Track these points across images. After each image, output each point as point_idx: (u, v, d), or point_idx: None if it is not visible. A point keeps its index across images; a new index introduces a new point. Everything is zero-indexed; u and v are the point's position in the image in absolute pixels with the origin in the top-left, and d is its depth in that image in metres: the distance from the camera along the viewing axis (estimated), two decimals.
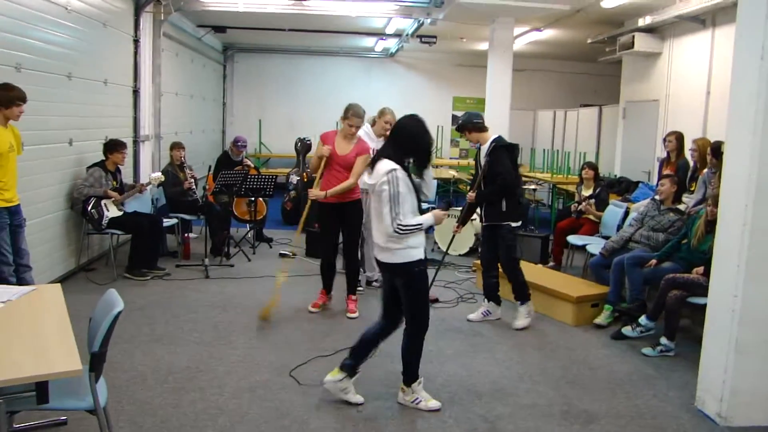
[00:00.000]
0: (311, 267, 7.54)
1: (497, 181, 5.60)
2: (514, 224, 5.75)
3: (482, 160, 5.74)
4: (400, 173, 3.87)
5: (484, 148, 5.72)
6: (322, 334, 5.46)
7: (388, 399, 4.24)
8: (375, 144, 6.44)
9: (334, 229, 5.94)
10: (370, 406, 4.15)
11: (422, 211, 4.05)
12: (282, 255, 8.36)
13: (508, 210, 5.68)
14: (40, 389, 2.53)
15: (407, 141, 4.03)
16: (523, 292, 5.88)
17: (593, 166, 8.36)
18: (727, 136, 4.11)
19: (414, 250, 3.95)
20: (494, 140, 5.69)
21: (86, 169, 6.91)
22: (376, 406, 4.15)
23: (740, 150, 3.92)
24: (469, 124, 5.74)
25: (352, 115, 5.75)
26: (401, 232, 3.83)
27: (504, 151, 5.64)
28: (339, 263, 6.21)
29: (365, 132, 6.38)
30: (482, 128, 5.79)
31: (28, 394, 2.56)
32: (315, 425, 3.88)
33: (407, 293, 4.03)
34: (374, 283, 6.88)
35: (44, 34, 6.17)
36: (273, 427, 3.83)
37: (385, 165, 3.89)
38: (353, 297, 6.07)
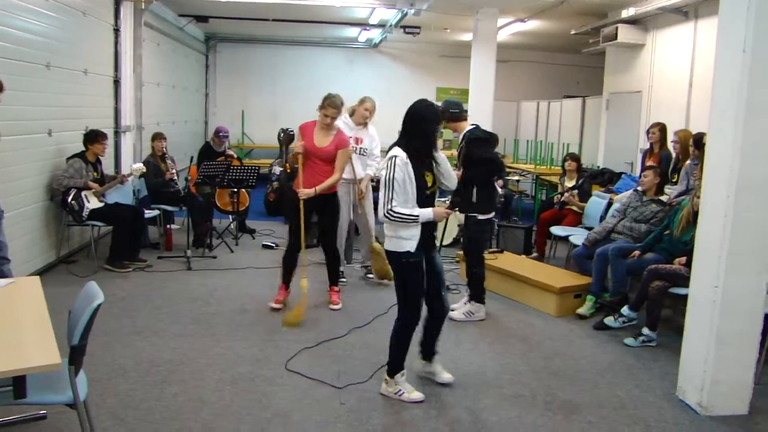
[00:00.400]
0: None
1: (485, 164, 5.51)
2: (481, 216, 5.59)
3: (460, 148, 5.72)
4: (400, 161, 3.85)
5: (460, 137, 5.70)
6: (305, 326, 5.43)
7: (372, 391, 4.23)
8: (353, 132, 6.43)
9: (306, 221, 5.78)
10: (353, 397, 4.14)
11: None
12: (265, 246, 8.32)
13: (478, 201, 5.55)
14: (18, 384, 2.49)
15: (410, 125, 4.03)
16: (476, 289, 5.74)
17: (576, 158, 8.40)
18: (709, 128, 4.13)
19: (404, 241, 3.93)
20: (468, 131, 5.62)
21: (66, 160, 6.83)
22: (360, 397, 4.14)
23: (722, 142, 3.94)
24: (446, 113, 5.50)
25: (328, 105, 5.65)
26: (391, 218, 3.84)
27: (479, 143, 5.54)
28: (313, 255, 6.10)
29: (343, 122, 6.36)
30: (459, 117, 5.66)
31: (5, 389, 2.53)
32: (297, 417, 3.86)
33: (396, 282, 4.09)
34: (369, 276, 6.90)
35: (22, 22, 6.08)
36: (256, 419, 3.81)
37: (391, 152, 3.94)
38: (336, 288, 6.05)
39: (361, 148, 6.55)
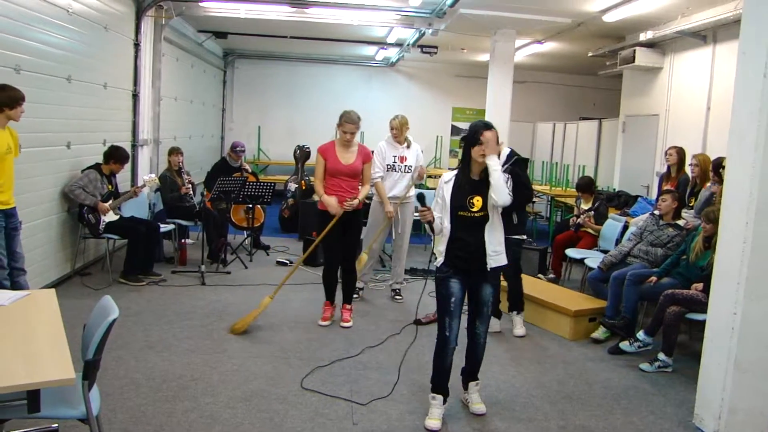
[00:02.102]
0: (308, 276, 7.52)
1: (524, 192, 5.56)
2: (520, 237, 5.82)
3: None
4: (442, 181, 4.07)
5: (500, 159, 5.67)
6: (318, 344, 5.42)
7: (384, 411, 4.20)
8: (397, 152, 6.63)
9: (337, 239, 5.82)
10: (366, 418, 4.11)
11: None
12: (279, 263, 8.32)
13: (519, 223, 5.76)
14: (32, 398, 2.49)
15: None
16: (522, 302, 6.06)
17: (585, 188, 8.30)
18: (728, 152, 4.10)
19: (438, 256, 4.06)
20: (512, 152, 5.68)
21: (81, 171, 6.88)
22: (372, 418, 4.11)
23: (741, 167, 3.91)
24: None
25: (345, 121, 5.75)
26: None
27: (523, 165, 5.69)
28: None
29: (387, 142, 6.63)
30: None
31: (19, 402, 2.52)
32: None
33: None
34: (392, 292, 6.93)
35: (44, 35, 6.15)
36: None
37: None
38: (348, 306, 6.03)
39: (405, 165, 6.61)
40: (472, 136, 3.96)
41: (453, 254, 3.98)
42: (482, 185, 3.97)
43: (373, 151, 6.38)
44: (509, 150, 5.74)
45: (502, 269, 4.19)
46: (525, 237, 6.00)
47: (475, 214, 3.96)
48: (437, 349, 4.07)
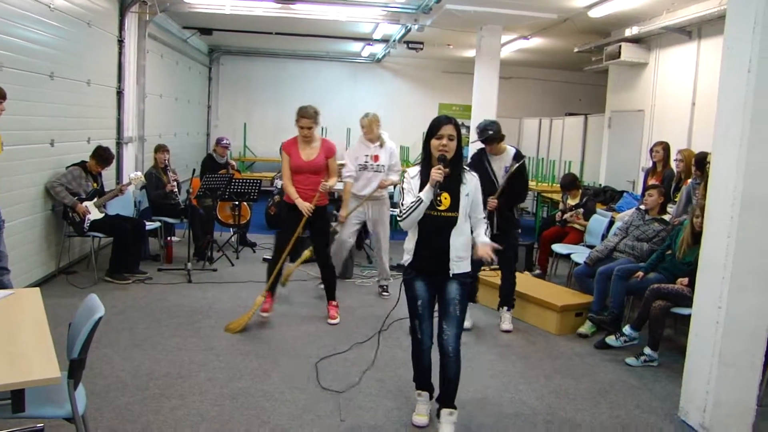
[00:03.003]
0: (298, 274, 7.49)
1: (523, 192, 5.87)
2: (518, 232, 6.06)
3: (498, 169, 5.70)
4: (408, 176, 3.84)
5: (503, 158, 5.70)
6: (305, 341, 5.41)
7: (372, 408, 4.20)
8: (370, 150, 6.60)
9: (293, 233, 5.75)
10: (354, 414, 4.11)
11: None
12: (265, 260, 8.29)
13: (517, 219, 6.01)
14: (16, 397, 2.46)
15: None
16: (513, 299, 6.07)
17: (569, 186, 8.33)
18: (713, 147, 4.12)
19: (405, 253, 3.87)
20: (518, 152, 5.71)
21: (66, 168, 6.82)
22: (360, 414, 4.11)
23: (726, 162, 3.93)
24: (499, 135, 5.64)
25: (301, 116, 5.73)
26: (401, 218, 3.75)
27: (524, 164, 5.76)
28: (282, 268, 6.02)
29: (360, 141, 6.64)
30: (501, 139, 5.77)
31: (3, 402, 2.50)
32: None
33: None
34: (384, 294, 6.92)
35: (27, 32, 6.09)
36: None
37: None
38: (333, 303, 6.03)
39: (378, 165, 6.58)
40: (431, 129, 3.76)
41: (418, 254, 3.78)
42: (449, 182, 3.68)
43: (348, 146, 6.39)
44: (515, 150, 5.74)
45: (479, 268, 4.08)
46: (519, 231, 6.13)
47: (442, 213, 3.70)
48: (413, 350, 3.95)
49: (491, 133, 5.59)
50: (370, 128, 6.52)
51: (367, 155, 6.56)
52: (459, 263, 3.77)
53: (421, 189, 3.69)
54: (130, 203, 7.98)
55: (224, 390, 4.36)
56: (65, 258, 7.15)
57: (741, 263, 3.88)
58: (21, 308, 3.30)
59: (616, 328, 5.63)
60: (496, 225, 5.65)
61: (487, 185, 5.47)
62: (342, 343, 5.36)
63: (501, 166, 5.69)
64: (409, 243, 3.83)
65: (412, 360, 3.99)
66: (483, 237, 3.87)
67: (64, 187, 6.59)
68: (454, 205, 3.72)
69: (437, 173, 3.58)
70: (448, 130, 3.69)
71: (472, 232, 3.87)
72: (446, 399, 3.86)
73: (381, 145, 6.60)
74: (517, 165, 5.59)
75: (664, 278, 5.49)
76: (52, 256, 6.88)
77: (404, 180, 3.83)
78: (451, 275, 3.74)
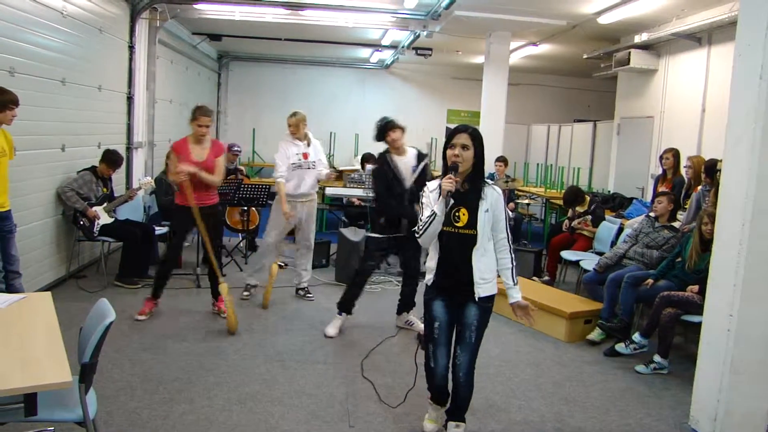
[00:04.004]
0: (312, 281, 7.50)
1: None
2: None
3: (405, 169, 5.56)
4: (427, 190, 3.63)
5: (407, 159, 5.58)
6: (313, 346, 5.41)
7: (380, 415, 4.20)
8: (299, 149, 6.59)
9: (187, 235, 5.92)
10: (362, 421, 4.10)
11: None
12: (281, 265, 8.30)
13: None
14: (29, 401, 2.47)
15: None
16: (412, 302, 5.92)
17: (572, 200, 8.27)
18: (724, 154, 4.10)
19: (428, 272, 3.71)
20: (420, 153, 5.61)
21: (77, 173, 6.86)
22: (369, 420, 4.11)
23: (738, 169, 3.91)
24: (397, 125, 5.52)
25: (201, 114, 5.73)
26: (419, 234, 3.58)
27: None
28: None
29: (289, 140, 6.59)
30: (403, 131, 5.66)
31: (16, 406, 2.51)
32: None
33: None
34: (299, 292, 6.92)
35: (39, 38, 6.13)
36: None
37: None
38: (214, 302, 6.17)
39: (309, 161, 6.60)
40: (446, 139, 3.60)
41: (439, 274, 3.62)
42: (468, 196, 3.55)
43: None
44: (416, 151, 5.65)
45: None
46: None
47: (461, 230, 3.54)
48: (426, 370, 3.82)
49: (386, 123, 5.53)
50: (297, 127, 6.56)
51: (298, 153, 6.56)
52: (484, 286, 3.57)
53: None
54: (139, 208, 8.01)
55: (232, 395, 4.36)
56: (75, 262, 7.18)
57: (753, 270, 3.85)
58: (33, 312, 3.32)
59: (626, 336, 5.61)
60: (404, 227, 5.57)
61: (396, 187, 5.50)
62: (351, 349, 5.35)
63: (408, 167, 5.58)
64: (431, 261, 3.65)
65: (426, 376, 3.86)
66: (514, 291, 3.62)
67: (75, 192, 6.61)
68: (472, 222, 3.52)
69: (448, 182, 3.41)
70: (461, 139, 3.51)
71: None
72: (455, 413, 3.83)
73: (308, 144, 6.62)
74: (423, 164, 5.53)
75: (674, 286, 5.47)
76: (63, 261, 6.91)
77: (423, 194, 3.64)
78: (476, 299, 3.56)
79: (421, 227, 3.52)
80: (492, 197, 3.56)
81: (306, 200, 6.61)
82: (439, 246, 3.60)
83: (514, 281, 3.64)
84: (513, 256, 3.64)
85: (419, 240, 3.57)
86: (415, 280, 5.83)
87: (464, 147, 3.50)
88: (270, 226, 6.67)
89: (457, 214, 3.53)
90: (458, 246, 3.55)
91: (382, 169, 5.61)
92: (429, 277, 3.67)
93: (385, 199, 5.59)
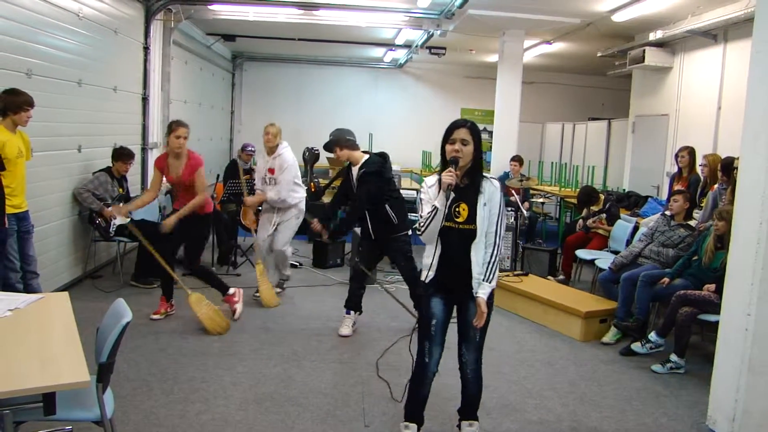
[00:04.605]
0: (317, 277, 7.53)
1: (356, 201, 5.57)
2: (402, 234, 5.70)
3: (355, 181, 5.59)
4: (425, 185, 3.58)
5: (356, 169, 5.57)
6: (328, 346, 5.42)
7: (396, 414, 4.20)
8: (267, 164, 6.59)
9: (176, 247, 6.03)
10: (378, 420, 4.11)
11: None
12: (293, 266, 8.31)
13: (400, 222, 5.63)
14: (48, 400, 2.50)
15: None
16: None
17: (587, 200, 8.22)
18: (741, 152, 4.07)
19: (424, 268, 3.60)
20: (365, 164, 5.54)
21: (92, 174, 6.90)
22: (384, 420, 4.11)
23: (754, 167, 3.88)
24: (342, 141, 5.56)
25: (178, 125, 5.66)
26: (420, 232, 3.52)
27: (374, 177, 5.49)
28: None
29: (261, 156, 6.65)
30: (354, 146, 5.63)
31: (35, 405, 2.53)
32: None
33: None
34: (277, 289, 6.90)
35: (55, 40, 6.18)
36: None
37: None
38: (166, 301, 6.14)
39: (272, 177, 6.55)
40: (445, 134, 3.49)
41: (438, 270, 3.52)
42: (467, 191, 3.47)
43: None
44: (366, 160, 5.60)
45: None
46: (408, 232, 5.74)
47: (461, 226, 3.46)
48: (414, 373, 3.66)
49: (330, 140, 5.59)
50: (269, 140, 6.54)
51: (265, 169, 6.56)
52: None
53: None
54: (155, 208, 8.05)
55: (248, 395, 4.38)
56: (92, 262, 7.23)
57: None
58: (51, 312, 3.35)
59: (642, 335, 5.58)
60: (372, 232, 5.63)
61: (351, 194, 5.61)
62: (366, 349, 5.36)
63: (356, 178, 5.59)
64: (428, 258, 3.55)
65: (409, 385, 3.73)
66: (482, 288, 3.47)
67: (91, 192, 6.66)
68: (472, 217, 3.45)
69: (447, 176, 3.32)
70: (460, 134, 3.42)
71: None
72: (468, 412, 3.79)
73: (275, 157, 6.55)
74: (361, 172, 5.50)
75: (690, 284, 5.43)
76: (79, 261, 6.97)
77: (422, 190, 3.59)
78: (474, 294, 3.48)
79: (422, 223, 3.46)
80: (489, 190, 3.49)
81: (280, 208, 6.62)
82: (440, 242, 3.48)
83: (487, 277, 3.48)
84: (497, 252, 3.51)
85: (421, 237, 3.51)
86: (413, 285, 5.74)
87: (464, 142, 3.42)
88: (259, 227, 6.82)
89: (457, 209, 3.47)
90: (458, 241, 3.48)
91: (344, 179, 5.71)
92: (429, 274, 3.55)
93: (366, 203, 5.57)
